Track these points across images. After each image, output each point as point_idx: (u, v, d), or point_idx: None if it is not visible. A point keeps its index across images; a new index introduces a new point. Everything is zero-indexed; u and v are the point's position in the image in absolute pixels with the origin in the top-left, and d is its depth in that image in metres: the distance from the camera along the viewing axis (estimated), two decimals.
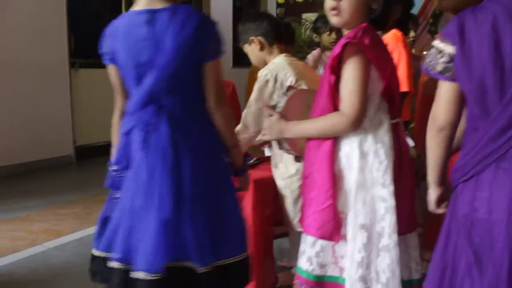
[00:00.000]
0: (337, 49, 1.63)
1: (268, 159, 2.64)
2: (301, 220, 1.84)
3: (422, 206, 1.89)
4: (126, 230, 1.56)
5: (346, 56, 1.60)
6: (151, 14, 1.54)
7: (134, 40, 1.56)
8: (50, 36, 5.41)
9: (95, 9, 6.52)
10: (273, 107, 2.13)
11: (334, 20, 1.67)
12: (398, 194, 1.66)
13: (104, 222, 1.68)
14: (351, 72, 1.59)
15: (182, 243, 1.53)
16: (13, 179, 4.90)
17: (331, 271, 1.73)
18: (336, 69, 1.63)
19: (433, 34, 5.93)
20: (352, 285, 1.66)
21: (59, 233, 3.42)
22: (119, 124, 1.71)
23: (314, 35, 4.15)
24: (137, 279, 1.51)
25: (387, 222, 1.63)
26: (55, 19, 5.44)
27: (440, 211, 1.58)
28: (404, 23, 2.90)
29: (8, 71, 4.99)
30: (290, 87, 2.30)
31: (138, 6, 1.60)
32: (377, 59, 1.62)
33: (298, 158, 2.22)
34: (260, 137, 2.20)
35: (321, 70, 3.65)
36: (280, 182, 2.52)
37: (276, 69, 2.43)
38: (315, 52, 4.11)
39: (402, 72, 2.77)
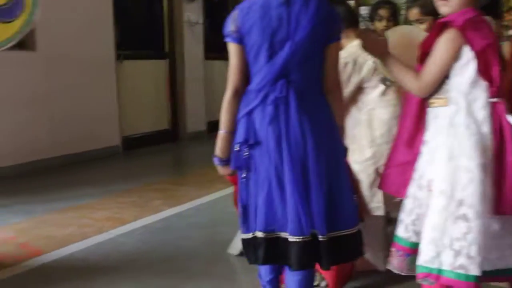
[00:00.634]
0: (436, 28, 1.74)
1: None
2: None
3: None
4: (267, 203, 1.67)
5: (441, 34, 1.72)
6: None
7: (270, 20, 1.67)
8: (97, 29, 5.48)
9: (138, 1, 6.58)
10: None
11: (442, 9, 1.77)
12: (499, 172, 1.70)
13: (245, 208, 1.75)
14: (438, 48, 1.74)
15: (311, 212, 1.66)
16: (67, 169, 5.00)
17: None
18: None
19: None
20: (425, 246, 1.72)
21: (123, 221, 3.47)
22: (232, 104, 1.77)
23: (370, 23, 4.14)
24: (289, 242, 1.66)
25: (469, 192, 1.67)
26: (101, 12, 5.50)
27: None
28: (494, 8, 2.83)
29: (60, 65, 5.08)
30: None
31: None
32: (473, 41, 1.68)
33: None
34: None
35: None
36: (355, 166, 2.50)
37: (356, 53, 2.44)
38: None
39: None
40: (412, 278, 1.82)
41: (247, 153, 1.69)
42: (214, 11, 7.42)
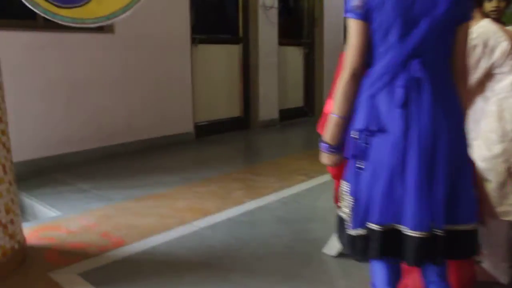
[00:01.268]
0: None
1: None
2: None
3: None
4: (385, 194, 1.52)
5: None
6: None
7: None
8: (174, 13, 5.32)
9: None
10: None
11: None
12: None
13: (357, 200, 1.59)
14: None
15: (432, 206, 1.52)
16: (141, 154, 4.89)
17: None
18: None
19: None
20: None
21: (205, 212, 3.27)
22: (350, 86, 1.59)
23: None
24: (407, 236, 1.51)
25: None
26: None
27: None
28: None
29: (137, 48, 4.96)
30: None
31: None
32: None
33: None
34: None
35: None
36: (481, 164, 2.16)
37: (486, 33, 2.12)
38: None
39: None
40: None
41: (366, 141, 1.53)
42: None
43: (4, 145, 2.42)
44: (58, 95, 4.42)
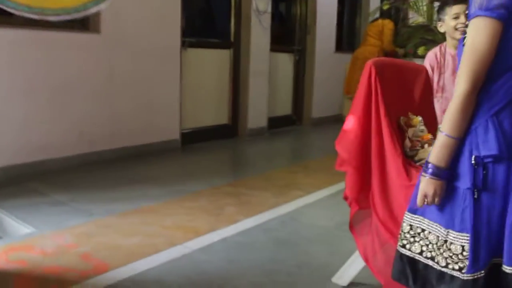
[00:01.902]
0: None
1: None
2: None
3: None
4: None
5: None
6: None
7: None
8: (165, 14, 5.00)
9: None
10: None
11: None
12: None
13: (477, 238, 1.42)
14: None
15: None
16: (125, 163, 4.55)
17: None
18: None
19: None
20: None
21: (197, 231, 2.96)
22: (471, 102, 1.40)
23: None
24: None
25: None
26: None
27: None
28: None
29: (124, 50, 4.63)
30: None
31: None
32: None
33: None
34: None
35: None
36: None
37: None
38: None
39: None
40: None
41: (493, 169, 1.37)
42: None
43: None
44: (37, 97, 4.06)
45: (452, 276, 1.43)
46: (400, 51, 7.62)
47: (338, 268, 2.41)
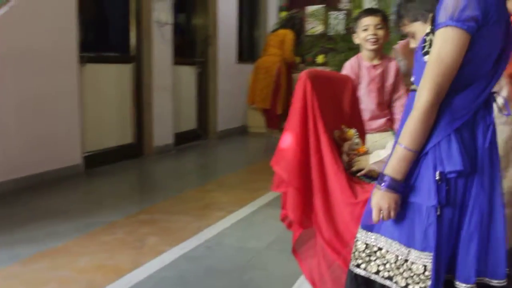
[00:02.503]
0: None
1: None
2: None
3: None
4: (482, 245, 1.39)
5: None
6: None
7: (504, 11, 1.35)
8: (59, 26, 4.54)
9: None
10: None
11: None
12: None
13: (438, 257, 1.37)
14: None
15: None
16: (20, 196, 4.03)
17: None
18: None
19: None
20: None
21: (119, 270, 2.64)
22: (433, 114, 1.34)
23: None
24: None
25: None
26: (64, 6, 4.58)
27: None
28: None
29: (13, 65, 4.12)
30: None
31: None
32: None
33: None
34: None
35: None
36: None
37: None
38: None
39: None
40: None
41: (455, 184, 1.36)
42: (180, 11, 6.64)
43: None
44: None
45: None
46: (298, 59, 7.74)
47: None
